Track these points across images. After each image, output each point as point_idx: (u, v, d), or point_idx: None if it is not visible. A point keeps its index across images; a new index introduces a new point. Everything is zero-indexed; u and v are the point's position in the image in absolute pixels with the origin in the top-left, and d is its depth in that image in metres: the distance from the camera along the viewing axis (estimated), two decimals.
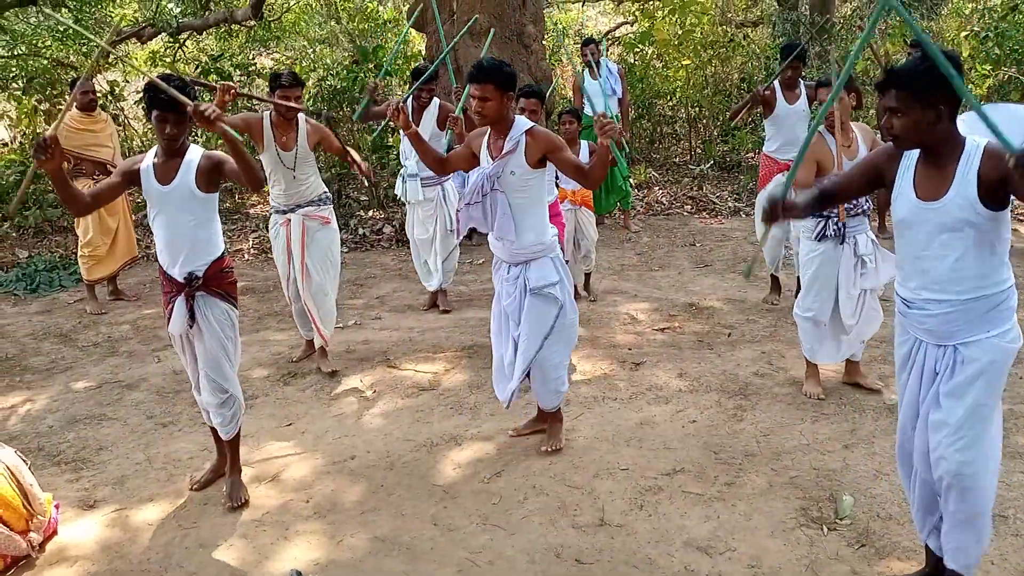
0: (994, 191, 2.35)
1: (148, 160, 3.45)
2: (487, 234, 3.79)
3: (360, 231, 8.97)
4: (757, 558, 3.05)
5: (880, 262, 4.29)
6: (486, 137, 3.72)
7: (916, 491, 2.74)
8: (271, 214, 5.15)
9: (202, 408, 3.71)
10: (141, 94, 3.44)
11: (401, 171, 6.29)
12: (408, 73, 10.32)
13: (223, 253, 3.55)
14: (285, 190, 4.94)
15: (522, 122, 3.63)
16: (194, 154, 3.43)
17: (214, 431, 3.73)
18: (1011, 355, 2.51)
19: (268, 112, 4.93)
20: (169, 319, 3.51)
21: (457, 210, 3.91)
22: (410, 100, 6.02)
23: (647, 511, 3.40)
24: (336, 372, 5.06)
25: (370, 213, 9.45)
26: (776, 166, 6.01)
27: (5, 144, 11.72)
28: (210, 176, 3.42)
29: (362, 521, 3.44)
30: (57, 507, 3.53)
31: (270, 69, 11.57)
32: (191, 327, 3.48)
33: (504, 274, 3.78)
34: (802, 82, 6.04)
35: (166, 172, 3.39)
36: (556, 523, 3.34)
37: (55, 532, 3.43)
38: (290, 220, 4.96)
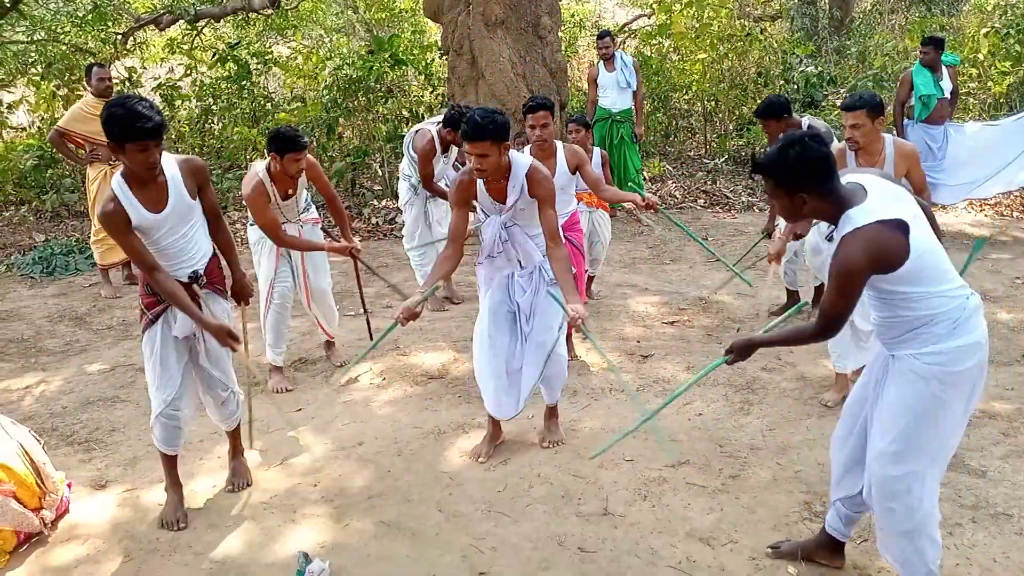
0: None
1: (124, 198, 3.09)
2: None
3: (373, 220, 9.01)
4: (759, 550, 3.07)
5: None
6: (480, 184, 3.61)
7: (839, 465, 2.86)
8: (250, 227, 4.80)
9: (171, 430, 3.38)
10: (111, 121, 2.96)
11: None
12: (424, 64, 10.36)
13: (214, 250, 3.46)
14: (287, 210, 4.66)
15: (520, 163, 3.54)
16: (171, 168, 3.18)
17: (171, 461, 3.50)
18: (932, 376, 2.48)
19: (265, 167, 4.47)
20: (148, 324, 3.30)
21: (477, 264, 3.85)
22: (435, 130, 5.78)
23: (651, 502, 3.42)
24: (345, 363, 5.10)
25: (383, 203, 9.48)
26: None
27: (24, 129, 11.81)
28: (195, 181, 3.27)
29: (368, 506, 3.48)
30: (69, 486, 3.59)
31: (287, 58, 11.62)
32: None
33: (518, 272, 3.76)
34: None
35: (153, 199, 3.13)
36: (560, 512, 3.37)
37: (67, 510, 3.49)
38: (285, 230, 4.69)
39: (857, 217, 2.40)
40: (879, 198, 2.44)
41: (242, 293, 3.73)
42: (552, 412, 4.04)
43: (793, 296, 5.78)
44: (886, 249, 2.38)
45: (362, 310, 5.30)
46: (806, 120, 5.27)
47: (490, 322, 3.78)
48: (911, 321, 2.50)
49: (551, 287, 3.66)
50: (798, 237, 4.66)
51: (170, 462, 3.47)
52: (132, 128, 2.92)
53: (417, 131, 5.87)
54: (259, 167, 4.47)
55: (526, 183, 3.53)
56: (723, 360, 2.85)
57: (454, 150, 6.02)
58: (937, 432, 2.55)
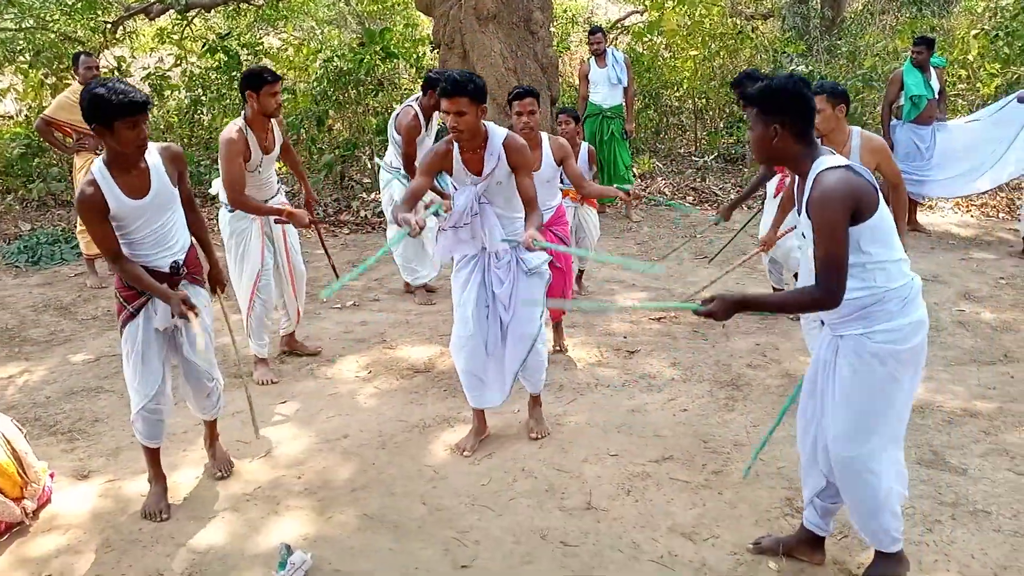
0: None
1: (104, 185, 3.04)
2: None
3: (362, 213, 8.99)
4: (740, 545, 3.09)
5: None
6: (455, 153, 3.58)
7: (803, 461, 2.91)
8: (229, 214, 4.62)
9: (153, 423, 3.37)
10: (96, 100, 2.91)
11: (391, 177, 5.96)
12: (415, 56, 10.34)
13: (191, 240, 3.43)
14: (260, 187, 4.60)
15: (496, 133, 3.55)
16: (152, 156, 3.16)
17: (154, 454, 3.49)
18: (885, 355, 2.55)
19: (242, 119, 4.44)
20: (129, 318, 3.28)
21: (439, 230, 3.76)
22: (416, 105, 5.85)
23: (634, 496, 3.44)
24: (320, 351, 5.13)
25: (372, 195, 9.46)
26: None
27: (11, 117, 11.72)
28: (174, 168, 3.26)
29: (352, 498, 3.47)
30: (52, 476, 3.57)
31: (278, 49, 11.57)
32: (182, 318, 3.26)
33: (492, 262, 3.73)
34: None
35: (135, 185, 3.09)
36: (543, 506, 3.38)
37: (49, 500, 3.48)
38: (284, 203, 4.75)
39: (829, 160, 2.51)
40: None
41: (218, 280, 3.72)
42: (536, 401, 4.06)
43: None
44: (859, 188, 2.46)
45: (331, 269, 5.54)
46: None
47: (469, 322, 3.76)
48: (862, 300, 2.55)
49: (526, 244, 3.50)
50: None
51: (153, 454, 3.46)
52: (120, 104, 2.89)
53: (399, 111, 5.85)
54: (236, 122, 4.43)
55: (503, 152, 3.53)
56: (696, 307, 2.61)
57: (434, 126, 6.01)
58: (893, 410, 2.63)
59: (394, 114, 5.98)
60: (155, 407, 3.34)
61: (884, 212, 2.53)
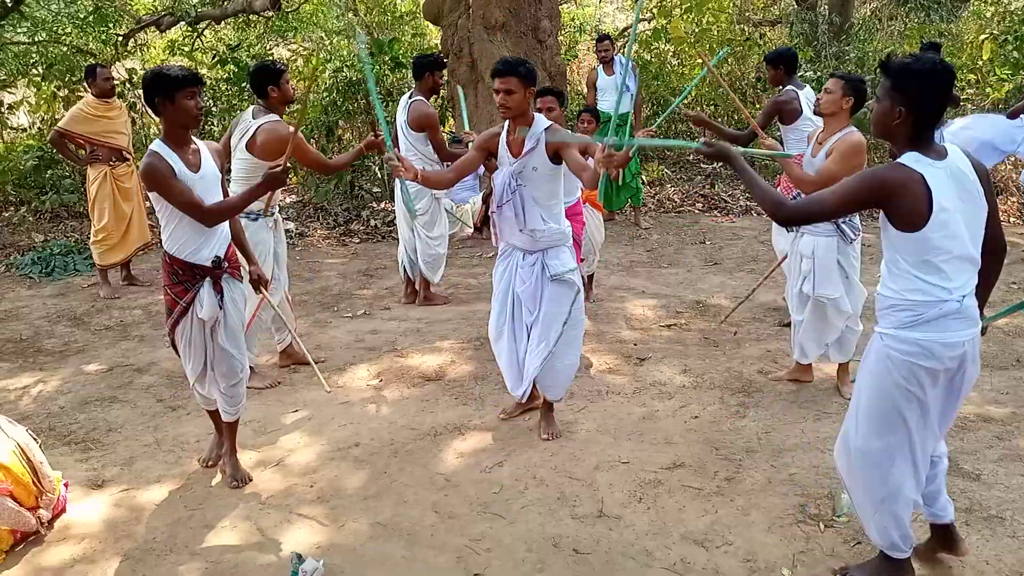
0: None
1: (166, 154, 3.33)
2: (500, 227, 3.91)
3: (372, 223, 9.03)
4: (753, 553, 3.08)
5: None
6: (503, 136, 3.82)
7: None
8: (253, 223, 4.56)
9: (204, 397, 3.73)
10: (159, 77, 3.28)
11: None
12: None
13: (229, 236, 3.66)
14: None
15: (541, 120, 3.78)
16: (199, 142, 3.51)
17: (213, 415, 3.80)
18: (887, 359, 2.59)
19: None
20: (183, 312, 3.49)
21: (491, 212, 3.95)
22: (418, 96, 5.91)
23: (646, 504, 3.43)
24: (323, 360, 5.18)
25: (383, 205, 9.50)
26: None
27: (24, 129, 11.83)
28: (219, 160, 3.56)
29: (364, 507, 3.48)
30: (66, 485, 3.59)
31: (287, 60, 11.64)
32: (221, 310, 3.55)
33: (519, 260, 3.89)
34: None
35: (189, 160, 3.40)
36: (555, 513, 3.38)
37: (64, 510, 3.50)
38: (277, 221, 4.81)
39: (911, 158, 2.48)
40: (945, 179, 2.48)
41: (261, 279, 3.98)
42: (549, 406, 4.11)
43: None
44: (903, 186, 2.44)
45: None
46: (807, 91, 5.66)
47: (499, 315, 4.03)
48: (890, 298, 2.60)
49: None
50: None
51: (212, 414, 3.83)
52: (182, 77, 3.28)
53: (410, 106, 5.83)
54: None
55: (543, 136, 3.71)
56: (699, 144, 2.88)
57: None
58: (900, 419, 2.63)
59: (402, 110, 5.94)
60: (201, 390, 3.71)
61: (935, 234, 2.45)
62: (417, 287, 6.35)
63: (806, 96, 5.64)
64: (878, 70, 2.63)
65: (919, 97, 2.48)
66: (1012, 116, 7.16)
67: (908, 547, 2.77)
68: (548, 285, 3.84)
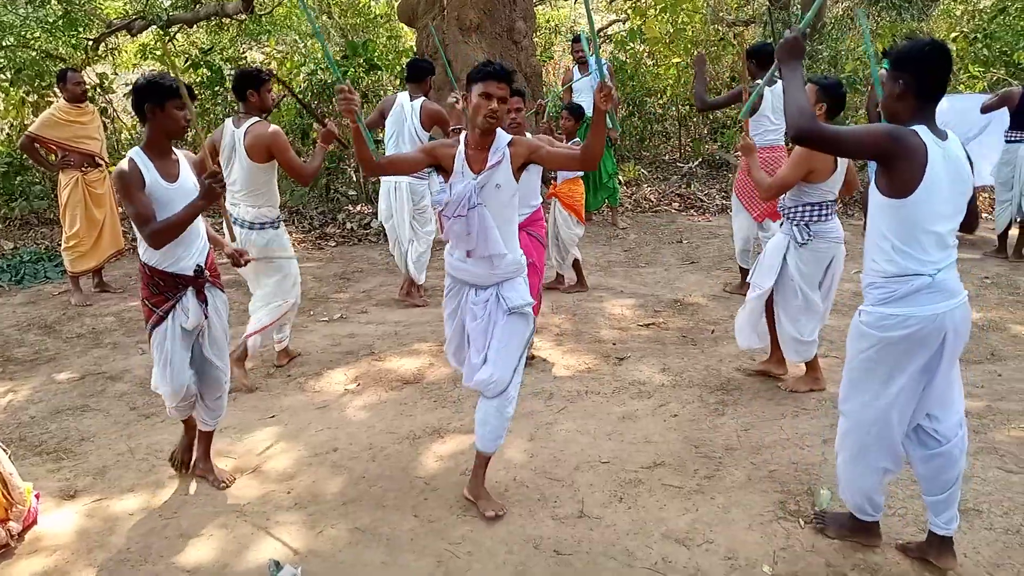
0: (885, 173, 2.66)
1: (142, 164, 3.30)
2: (454, 256, 3.47)
3: (348, 225, 8.97)
4: (734, 550, 3.08)
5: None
6: (461, 150, 3.38)
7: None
8: (268, 226, 4.78)
9: (177, 408, 3.60)
10: (152, 85, 3.30)
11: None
12: (399, 67, 10.34)
13: (209, 245, 3.63)
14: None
15: (503, 134, 3.43)
16: (178, 153, 3.48)
17: (187, 421, 3.76)
18: (865, 336, 2.77)
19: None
20: (158, 321, 3.42)
21: (439, 214, 3.55)
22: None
23: (626, 503, 3.42)
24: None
25: (358, 208, 9.44)
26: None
27: None
28: (196, 171, 3.51)
29: (342, 512, 3.44)
30: (37, 497, 3.52)
31: (260, 63, 11.55)
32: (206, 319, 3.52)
33: (472, 297, 3.42)
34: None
35: (167, 171, 3.36)
36: (536, 515, 3.36)
37: (35, 521, 3.42)
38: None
39: (922, 130, 2.62)
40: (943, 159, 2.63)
41: (240, 255, 3.76)
42: (482, 465, 3.48)
43: (744, 273, 6.22)
44: (912, 148, 2.57)
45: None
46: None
47: (450, 357, 3.68)
48: (867, 276, 2.78)
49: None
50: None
51: (187, 425, 3.78)
52: (173, 87, 3.29)
53: (420, 108, 6.00)
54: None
55: (507, 150, 3.33)
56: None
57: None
58: (871, 391, 2.81)
59: (414, 112, 6.03)
60: (185, 402, 3.59)
61: (921, 206, 2.59)
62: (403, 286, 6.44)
63: (773, 92, 5.92)
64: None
65: (917, 72, 2.63)
66: (984, 111, 7.26)
67: (875, 511, 2.98)
68: (501, 320, 3.35)
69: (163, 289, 3.41)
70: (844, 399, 2.94)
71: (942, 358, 2.73)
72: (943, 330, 2.68)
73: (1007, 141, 7.09)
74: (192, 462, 3.80)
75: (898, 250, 2.65)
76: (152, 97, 3.31)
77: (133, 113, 3.48)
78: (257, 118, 4.64)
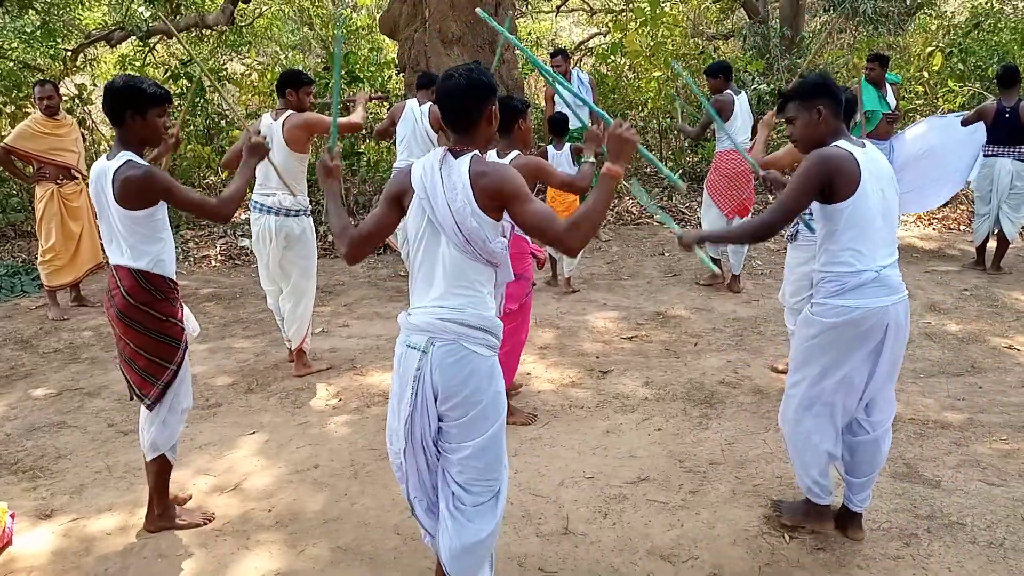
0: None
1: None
2: None
3: (330, 239, 8.91)
4: (719, 566, 3.06)
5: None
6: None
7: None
8: (303, 213, 5.06)
9: (163, 437, 3.36)
10: (134, 90, 3.14)
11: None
12: (380, 80, 10.32)
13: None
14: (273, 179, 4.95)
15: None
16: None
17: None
18: (814, 323, 3.00)
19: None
20: (180, 335, 3.31)
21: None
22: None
23: (611, 519, 3.40)
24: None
25: None
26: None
27: None
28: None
29: (324, 530, 3.40)
30: (12, 516, 3.45)
31: (241, 75, 11.49)
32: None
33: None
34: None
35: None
36: (520, 532, 3.33)
37: (9, 542, 3.35)
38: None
39: (842, 143, 2.93)
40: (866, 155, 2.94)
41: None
42: None
43: (716, 263, 6.68)
44: (843, 161, 2.86)
45: None
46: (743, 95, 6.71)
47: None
48: (819, 271, 3.02)
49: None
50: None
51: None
52: (156, 94, 3.18)
53: (430, 109, 6.36)
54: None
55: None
56: (679, 232, 3.17)
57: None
58: (814, 374, 3.04)
59: (423, 117, 6.42)
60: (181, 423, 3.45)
61: (860, 207, 2.87)
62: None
63: (740, 101, 6.67)
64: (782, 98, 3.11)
65: (830, 95, 2.96)
66: (965, 124, 7.34)
67: (825, 494, 3.18)
68: None
69: (169, 295, 3.25)
70: (790, 378, 3.16)
71: (883, 351, 2.96)
72: (885, 322, 2.92)
73: (985, 155, 7.17)
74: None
75: (845, 250, 2.92)
76: (132, 104, 3.14)
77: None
78: (292, 112, 4.96)
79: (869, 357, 2.98)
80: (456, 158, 2.50)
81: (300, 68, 11.00)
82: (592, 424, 4.32)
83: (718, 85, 6.69)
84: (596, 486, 3.67)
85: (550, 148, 6.67)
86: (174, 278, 3.29)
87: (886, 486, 3.56)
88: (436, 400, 2.49)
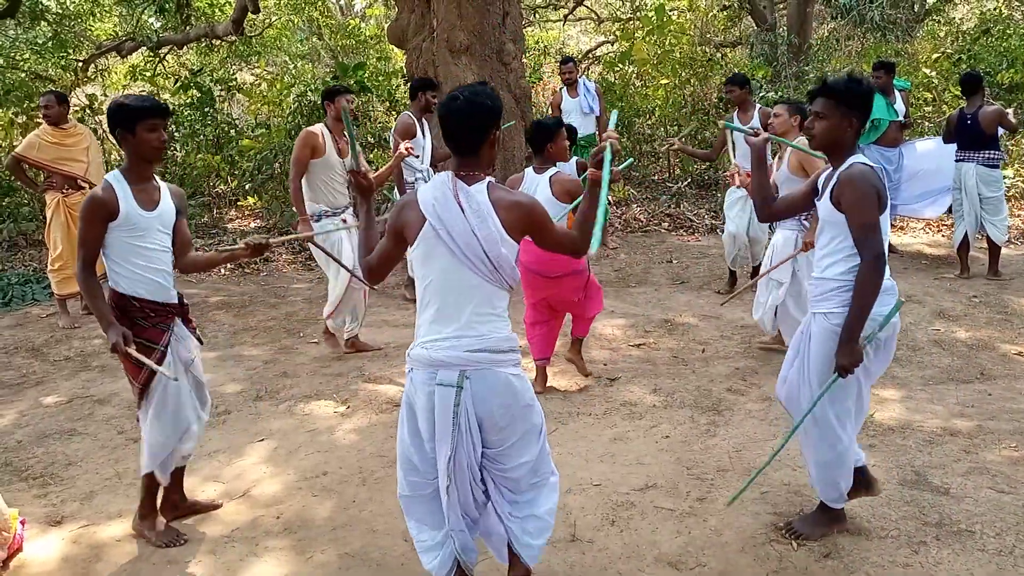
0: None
1: (120, 191, 3.15)
2: None
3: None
4: (727, 573, 3.06)
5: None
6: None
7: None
8: (316, 218, 5.47)
9: (177, 453, 3.42)
10: (119, 108, 3.12)
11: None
12: (388, 90, 10.38)
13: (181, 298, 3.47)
14: (339, 190, 5.54)
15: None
16: (160, 182, 3.35)
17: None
18: (835, 333, 2.96)
19: (323, 123, 5.53)
20: (161, 360, 3.23)
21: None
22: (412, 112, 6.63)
23: (619, 527, 3.40)
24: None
25: None
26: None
27: None
28: (178, 202, 3.39)
29: (332, 537, 3.41)
30: (23, 523, 3.47)
31: (251, 84, 11.57)
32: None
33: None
34: (756, 105, 6.99)
35: (146, 198, 3.22)
36: None
37: (20, 548, 3.37)
38: (346, 219, 5.52)
39: (862, 159, 2.95)
40: None
41: (260, 246, 3.44)
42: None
43: (733, 276, 7.05)
44: (880, 183, 2.90)
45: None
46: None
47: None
48: (832, 280, 2.98)
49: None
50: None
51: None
52: (141, 108, 3.09)
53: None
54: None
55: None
56: (835, 379, 2.98)
57: (428, 129, 6.65)
58: (850, 386, 3.03)
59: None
60: (186, 444, 3.42)
61: (885, 219, 2.92)
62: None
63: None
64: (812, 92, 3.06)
65: (864, 109, 2.96)
66: (947, 141, 7.38)
67: (844, 499, 3.22)
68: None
69: (155, 320, 3.24)
70: (822, 405, 3.04)
71: (892, 348, 3.09)
72: (896, 328, 3.03)
73: (956, 160, 7.21)
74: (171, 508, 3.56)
75: (849, 258, 2.94)
76: (121, 122, 3.11)
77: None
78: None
79: (880, 359, 3.11)
80: (469, 184, 2.49)
81: (307, 78, 11.07)
82: (599, 431, 4.32)
83: (743, 96, 6.85)
84: (603, 493, 3.67)
85: None
86: (141, 299, 3.21)
87: (895, 493, 3.55)
88: (480, 429, 2.53)
